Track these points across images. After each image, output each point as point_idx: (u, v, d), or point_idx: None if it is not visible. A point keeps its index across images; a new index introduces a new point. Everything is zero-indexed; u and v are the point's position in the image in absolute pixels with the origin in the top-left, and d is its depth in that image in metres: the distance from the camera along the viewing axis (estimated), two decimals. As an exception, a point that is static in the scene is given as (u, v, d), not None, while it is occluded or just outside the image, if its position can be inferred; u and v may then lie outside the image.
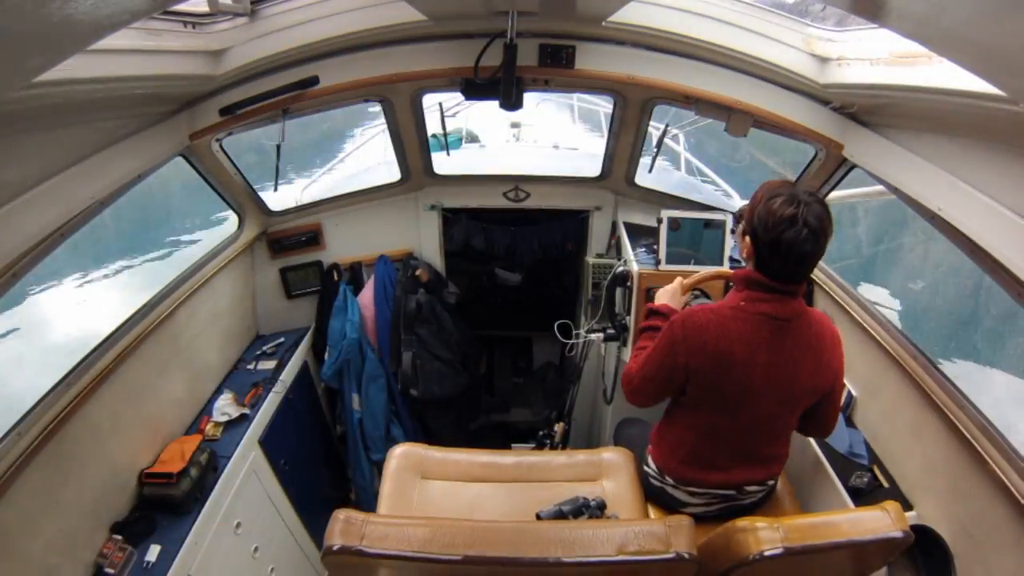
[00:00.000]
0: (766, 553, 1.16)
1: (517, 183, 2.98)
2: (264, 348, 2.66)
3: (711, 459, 1.72)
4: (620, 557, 1.08)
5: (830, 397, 1.70)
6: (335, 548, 1.07)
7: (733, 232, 2.34)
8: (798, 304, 1.56)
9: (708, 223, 2.42)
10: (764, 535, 1.18)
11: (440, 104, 3.01)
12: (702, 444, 1.72)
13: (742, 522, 1.21)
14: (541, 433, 2.89)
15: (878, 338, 1.96)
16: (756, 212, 1.50)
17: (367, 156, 5.21)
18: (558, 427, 2.83)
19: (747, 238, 1.55)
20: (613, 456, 2.00)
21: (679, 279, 1.97)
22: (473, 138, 5.99)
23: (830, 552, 1.22)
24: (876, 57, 1.67)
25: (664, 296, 1.92)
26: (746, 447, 1.70)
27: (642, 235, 2.70)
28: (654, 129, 2.82)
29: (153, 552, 1.72)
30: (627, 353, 2.53)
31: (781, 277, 1.51)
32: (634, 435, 2.11)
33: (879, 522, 1.22)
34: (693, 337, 1.58)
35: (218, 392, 2.35)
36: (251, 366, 2.55)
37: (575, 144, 5.00)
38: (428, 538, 1.10)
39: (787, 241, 1.43)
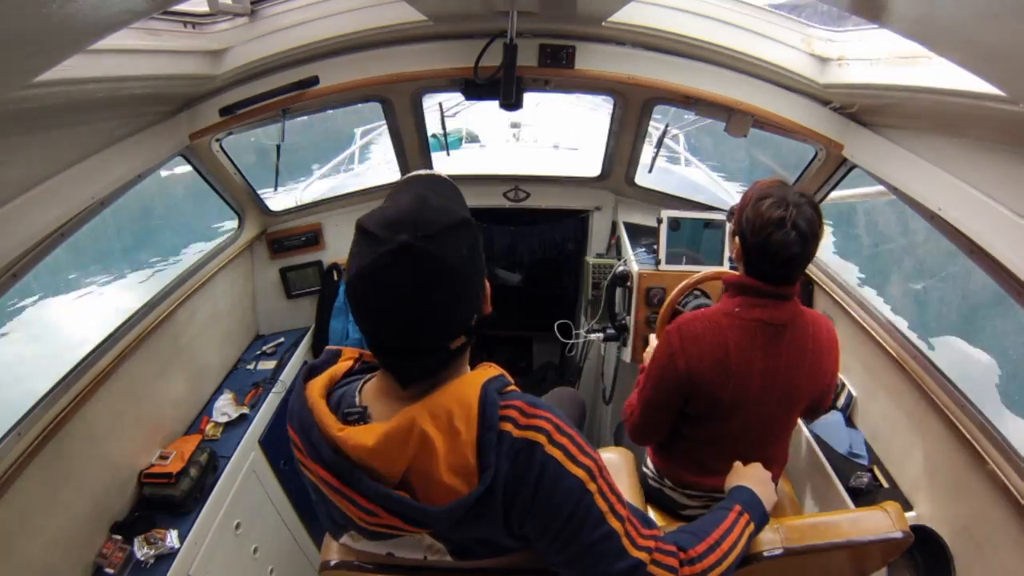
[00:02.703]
0: (766, 553, 1.15)
1: (517, 183, 2.98)
2: (264, 348, 2.66)
3: (709, 463, 1.71)
4: None
5: (826, 394, 1.70)
6: (332, 563, 1.06)
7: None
8: (793, 306, 1.54)
9: (708, 223, 2.42)
10: (764, 535, 1.17)
11: (440, 104, 3.02)
12: (699, 448, 1.70)
13: (742, 522, 1.21)
14: None
15: (878, 338, 1.96)
16: (745, 213, 1.48)
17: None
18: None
19: (737, 239, 1.54)
20: (613, 456, 1.99)
21: (653, 338, 2.03)
22: (473, 138, 6.00)
23: (830, 552, 1.21)
24: (876, 57, 1.66)
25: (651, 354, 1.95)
26: (744, 451, 1.68)
27: (642, 235, 2.70)
28: (654, 129, 2.82)
29: (153, 552, 1.72)
30: (627, 353, 2.53)
31: (770, 280, 1.49)
32: (634, 435, 2.10)
33: (879, 522, 1.22)
34: (691, 345, 1.55)
35: (218, 392, 2.35)
36: (251, 366, 2.55)
37: (575, 144, 5.01)
38: None
39: (775, 244, 1.41)
